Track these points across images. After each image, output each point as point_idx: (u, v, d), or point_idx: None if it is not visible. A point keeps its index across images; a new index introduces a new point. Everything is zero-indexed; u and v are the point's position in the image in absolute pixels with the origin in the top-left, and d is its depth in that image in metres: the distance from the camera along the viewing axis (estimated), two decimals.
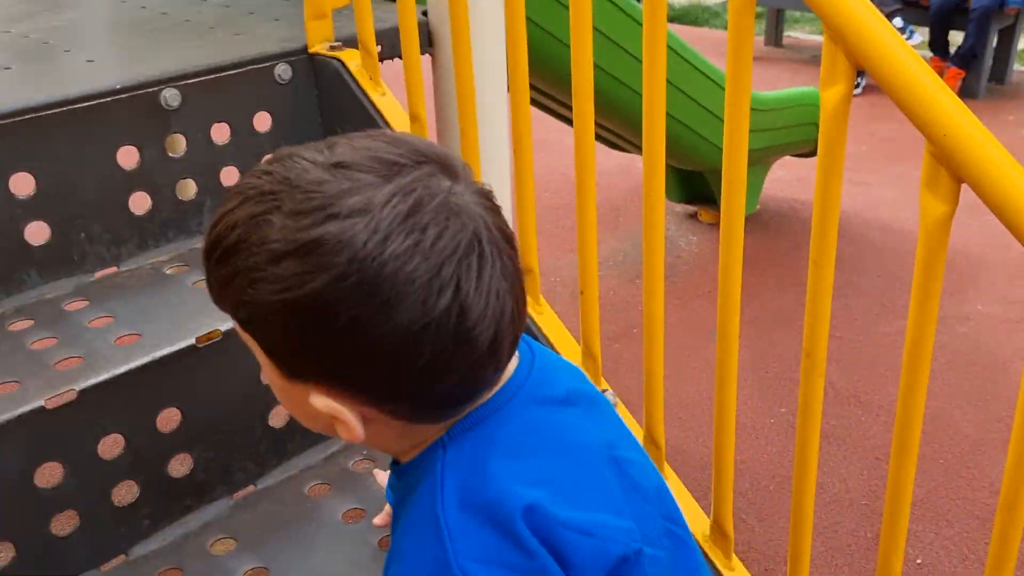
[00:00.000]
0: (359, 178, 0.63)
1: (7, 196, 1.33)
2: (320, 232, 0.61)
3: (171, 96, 1.45)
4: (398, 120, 1.54)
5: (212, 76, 1.50)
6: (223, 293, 0.67)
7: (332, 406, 0.68)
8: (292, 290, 0.62)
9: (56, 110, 1.34)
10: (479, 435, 0.72)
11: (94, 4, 2.02)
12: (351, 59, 1.57)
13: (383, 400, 0.68)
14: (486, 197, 0.68)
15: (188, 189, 1.52)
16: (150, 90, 1.43)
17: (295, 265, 0.62)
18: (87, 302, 1.35)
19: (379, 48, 1.61)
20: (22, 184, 1.34)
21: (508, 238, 0.69)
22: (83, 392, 1.12)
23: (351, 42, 1.60)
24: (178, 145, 1.49)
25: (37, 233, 1.37)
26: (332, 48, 1.60)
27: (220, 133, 1.54)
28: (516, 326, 0.69)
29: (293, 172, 0.64)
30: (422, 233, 0.62)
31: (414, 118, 1.50)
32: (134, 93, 1.41)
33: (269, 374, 0.71)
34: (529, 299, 1.40)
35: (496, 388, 0.73)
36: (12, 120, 1.31)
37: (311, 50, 1.60)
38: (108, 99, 1.38)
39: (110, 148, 1.40)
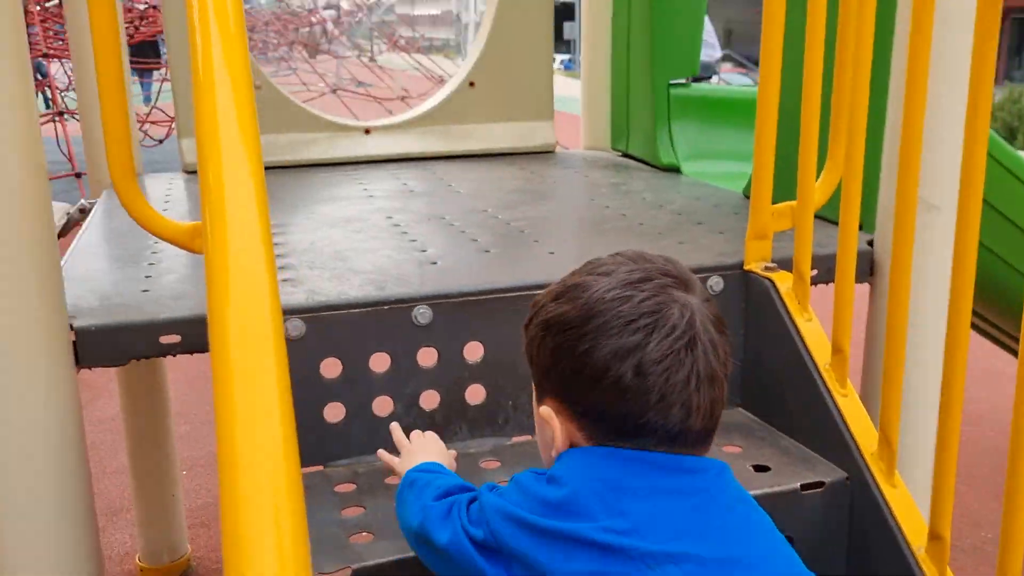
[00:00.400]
0: (614, 264, 0.96)
1: (460, 359, 1.55)
2: (578, 280, 0.95)
3: None
4: (820, 348, 1.52)
5: None
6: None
7: (550, 413, 0.96)
8: (552, 315, 0.94)
9: (514, 293, 1.54)
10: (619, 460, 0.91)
11: (568, 198, 2.30)
12: (782, 281, 1.60)
13: (577, 414, 0.94)
14: (714, 310, 0.95)
15: None
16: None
17: (558, 299, 0.95)
18: (499, 463, 1.50)
19: (814, 272, 1.62)
20: (472, 351, 1.55)
21: (722, 348, 0.93)
22: None
23: (786, 264, 1.63)
24: None
25: (475, 394, 1.57)
26: (767, 268, 1.64)
27: None
28: (701, 413, 0.90)
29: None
30: (635, 290, 0.91)
31: (836, 350, 1.48)
32: None
33: (534, 403, 1.01)
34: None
35: (658, 448, 0.91)
36: (484, 297, 1.54)
37: (746, 267, 1.67)
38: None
39: None
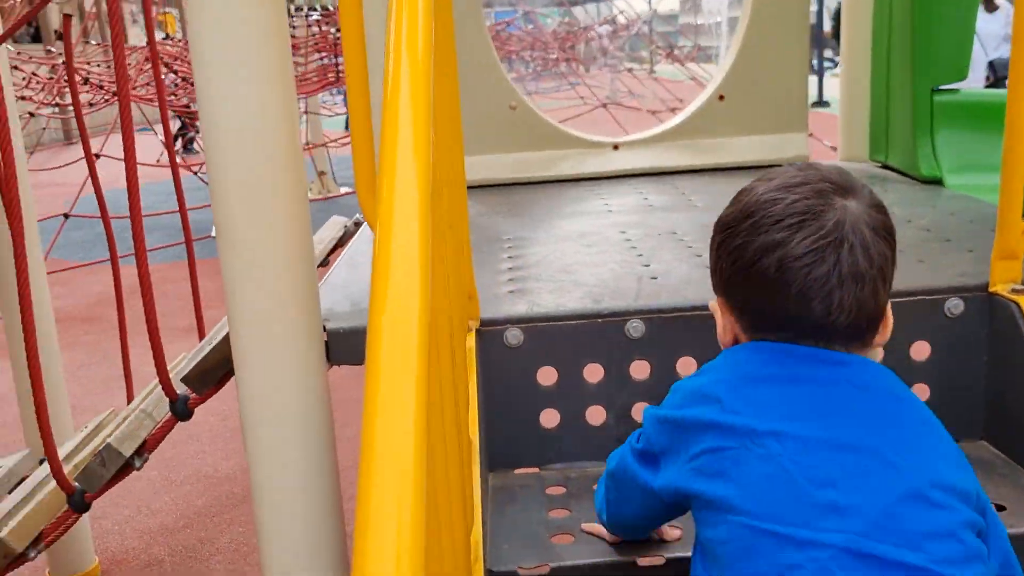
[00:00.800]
0: (782, 171, 1.00)
1: (673, 373, 1.57)
2: (747, 185, 1.02)
3: None
4: None
5: None
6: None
7: (715, 307, 1.08)
8: (722, 215, 1.02)
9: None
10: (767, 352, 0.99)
11: None
12: None
13: (736, 309, 1.03)
14: (878, 218, 0.97)
15: None
16: None
17: (729, 205, 1.02)
18: None
19: None
20: (685, 365, 1.57)
21: (876, 250, 0.95)
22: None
23: None
24: None
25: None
26: (1015, 291, 1.51)
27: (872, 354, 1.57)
28: (845, 310, 0.93)
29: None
30: (789, 192, 0.95)
31: None
32: None
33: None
34: None
35: (804, 342, 0.96)
36: (696, 312, 1.55)
37: (991, 289, 1.54)
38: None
39: None
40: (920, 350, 1.57)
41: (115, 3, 1.74)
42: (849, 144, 2.84)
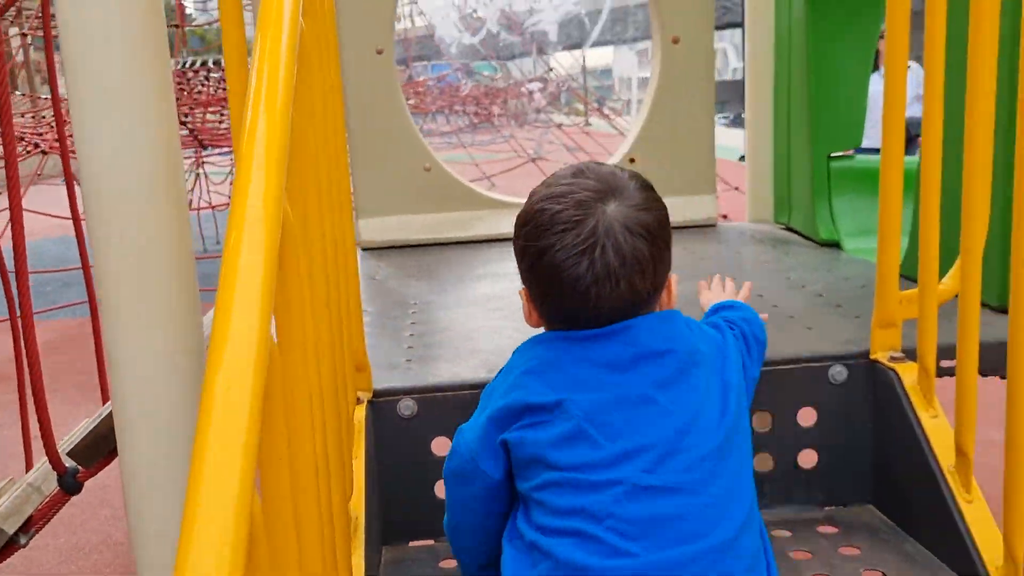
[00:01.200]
0: (555, 178, 1.16)
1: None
2: (534, 188, 1.16)
3: None
4: (944, 448, 1.41)
5: (765, 368, 1.57)
6: None
7: (523, 294, 1.20)
8: (517, 217, 1.15)
9: None
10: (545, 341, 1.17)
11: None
12: (907, 373, 1.51)
13: (533, 298, 1.17)
14: (638, 209, 1.10)
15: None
16: None
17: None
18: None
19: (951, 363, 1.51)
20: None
21: (628, 248, 1.08)
22: None
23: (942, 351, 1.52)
24: None
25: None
26: (893, 359, 1.55)
27: (762, 421, 1.59)
28: (605, 304, 1.09)
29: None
30: (555, 203, 1.10)
31: (960, 452, 1.37)
32: None
33: None
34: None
35: (582, 328, 1.12)
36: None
37: (872, 356, 1.58)
38: None
39: None
40: (807, 416, 1.61)
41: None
42: (755, 206, 2.92)
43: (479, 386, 1.57)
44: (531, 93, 11.06)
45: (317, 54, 1.23)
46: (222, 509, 0.60)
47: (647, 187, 1.14)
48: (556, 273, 1.08)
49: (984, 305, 1.55)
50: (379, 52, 2.81)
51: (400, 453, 1.57)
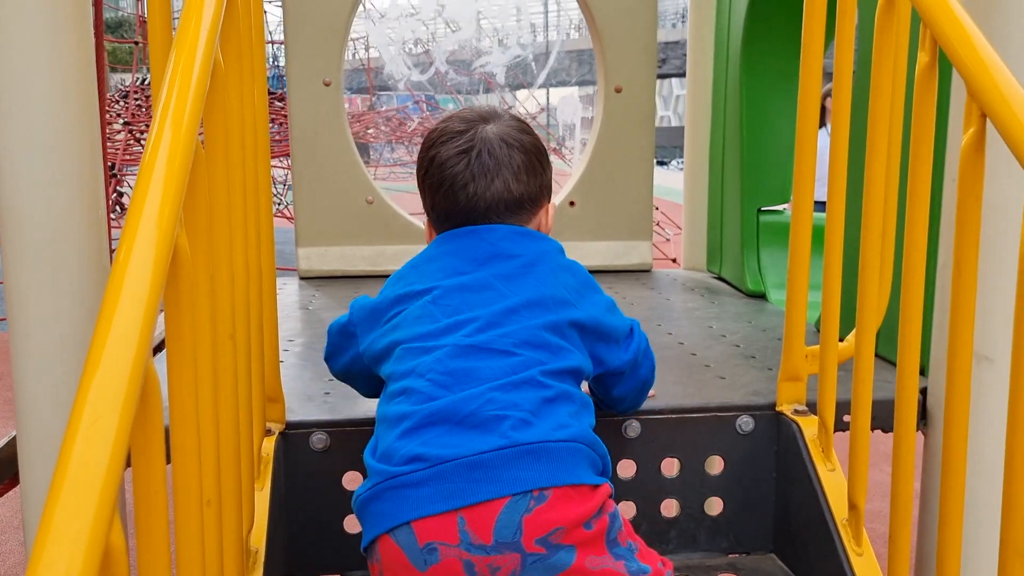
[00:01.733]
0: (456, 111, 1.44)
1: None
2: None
3: (631, 427, 1.59)
4: (839, 501, 1.45)
5: (674, 416, 1.61)
6: None
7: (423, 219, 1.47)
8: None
9: None
10: (434, 243, 1.40)
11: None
12: (808, 426, 1.55)
13: (427, 209, 1.41)
14: (514, 129, 1.37)
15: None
16: (614, 419, 1.59)
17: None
18: None
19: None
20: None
21: (502, 152, 1.33)
22: None
23: (843, 406, 1.56)
24: (628, 470, 1.62)
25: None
26: (796, 412, 1.60)
27: (670, 467, 1.62)
28: (482, 196, 1.32)
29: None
30: (448, 122, 1.38)
31: (852, 506, 1.41)
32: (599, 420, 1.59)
33: None
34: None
35: (462, 225, 1.35)
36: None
37: (778, 408, 1.62)
38: None
39: None
40: (714, 464, 1.64)
41: None
42: (690, 254, 2.98)
43: None
44: None
45: (236, 86, 1.25)
46: (71, 542, 0.61)
47: (522, 121, 1.42)
48: (441, 172, 1.33)
49: (890, 362, 1.61)
50: (327, 84, 2.84)
51: (310, 486, 1.58)
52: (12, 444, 1.61)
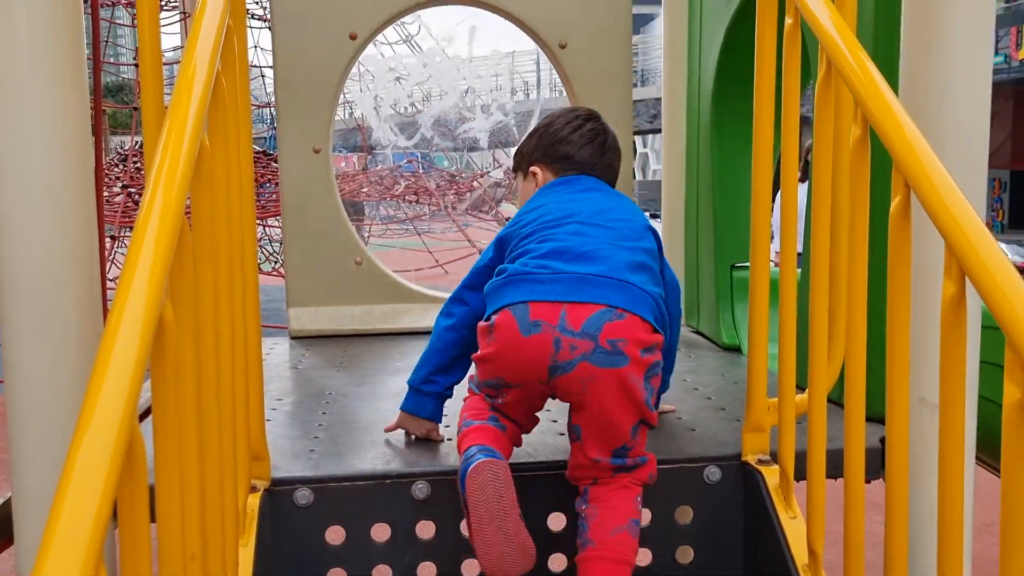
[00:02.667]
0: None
1: (457, 533, 1.65)
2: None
3: None
4: (800, 548, 1.51)
5: None
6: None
7: (534, 171, 1.93)
8: (536, 127, 1.98)
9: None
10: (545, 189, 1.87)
11: None
12: (771, 475, 1.62)
13: (549, 162, 1.90)
14: (612, 132, 1.94)
15: None
16: None
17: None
18: None
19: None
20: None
21: (613, 150, 1.92)
22: None
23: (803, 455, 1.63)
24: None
25: (471, 568, 1.65)
26: (760, 462, 1.67)
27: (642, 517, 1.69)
28: (591, 157, 1.87)
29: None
30: (567, 113, 1.97)
31: (810, 552, 1.47)
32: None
33: (516, 180, 2.02)
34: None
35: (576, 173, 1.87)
36: None
37: (744, 458, 1.69)
38: (550, 472, 1.66)
39: (543, 512, 1.65)
40: (684, 514, 1.70)
41: None
42: None
43: (373, 477, 1.66)
44: (484, 187, 11.36)
45: (223, 163, 1.35)
46: None
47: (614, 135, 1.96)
48: (555, 131, 1.89)
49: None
50: (316, 151, 2.95)
51: (295, 541, 1.64)
52: (7, 505, 1.67)
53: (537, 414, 1.69)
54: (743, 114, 2.62)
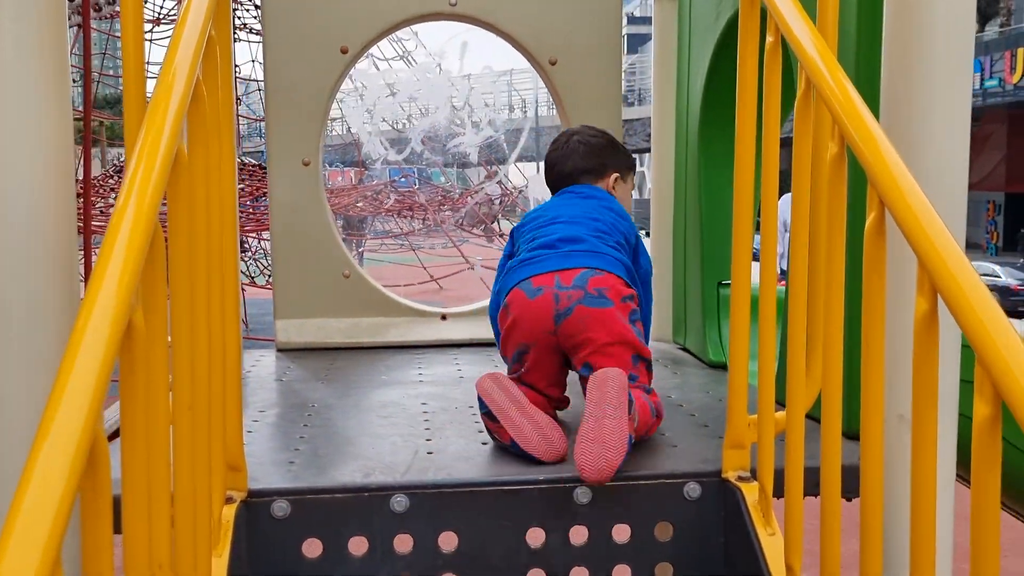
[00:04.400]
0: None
1: (435, 548, 1.65)
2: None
3: (582, 493, 1.65)
4: (777, 565, 1.51)
5: (624, 483, 1.67)
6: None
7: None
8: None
9: (489, 488, 1.64)
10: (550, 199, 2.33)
11: None
12: (750, 492, 1.62)
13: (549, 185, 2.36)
14: (588, 134, 2.32)
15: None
16: (565, 486, 1.66)
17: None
18: None
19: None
20: (447, 540, 1.65)
21: (586, 146, 2.30)
22: None
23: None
24: (580, 536, 1.67)
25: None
26: (740, 478, 1.66)
27: (621, 533, 1.68)
28: (571, 170, 2.27)
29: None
30: (559, 137, 2.38)
31: (788, 568, 1.47)
32: (551, 486, 1.65)
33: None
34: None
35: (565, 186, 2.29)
36: (460, 490, 1.64)
37: (724, 475, 1.69)
38: (527, 487, 1.65)
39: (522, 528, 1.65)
40: (664, 530, 1.69)
41: None
42: (657, 326, 3.04)
43: (352, 490, 1.65)
44: (478, 204, 11.39)
45: (202, 170, 1.35)
46: None
47: (597, 134, 2.32)
48: (548, 157, 2.32)
49: None
50: (306, 164, 2.95)
51: (271, 554, 1.63)
52: None
53: (565, 393, 2.02)
54: (730, 134, 2.63)
